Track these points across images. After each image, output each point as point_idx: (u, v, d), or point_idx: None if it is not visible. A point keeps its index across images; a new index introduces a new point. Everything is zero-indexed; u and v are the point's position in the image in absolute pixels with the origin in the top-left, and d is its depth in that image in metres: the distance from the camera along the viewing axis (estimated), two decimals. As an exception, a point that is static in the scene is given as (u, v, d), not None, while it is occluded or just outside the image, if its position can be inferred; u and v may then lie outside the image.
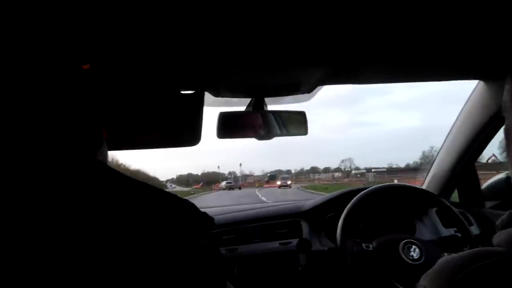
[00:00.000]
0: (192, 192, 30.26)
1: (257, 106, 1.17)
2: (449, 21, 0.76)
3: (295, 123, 1.25)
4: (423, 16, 0.72)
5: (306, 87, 1.11)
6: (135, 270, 0.39)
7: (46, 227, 0.38)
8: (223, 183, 40.66)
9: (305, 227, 1.41)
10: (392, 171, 46.66)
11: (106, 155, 0.56)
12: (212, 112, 1.18)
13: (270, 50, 0.85)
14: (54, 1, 0.48)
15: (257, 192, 23.50)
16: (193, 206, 0.49)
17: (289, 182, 32.88)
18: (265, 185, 35.99)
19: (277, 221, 1.41)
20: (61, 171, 0.43)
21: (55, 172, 0.42)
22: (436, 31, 0.81)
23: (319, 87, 1.16)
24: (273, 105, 1.23)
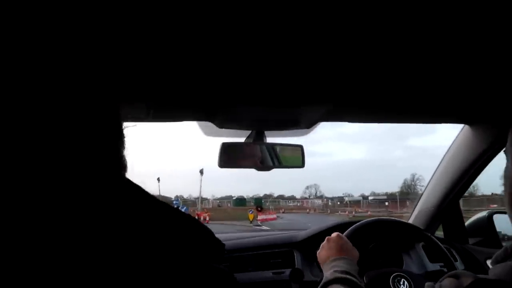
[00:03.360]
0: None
1: (258, 138, 1.22)
2: (439, 69, 0.84)
3: (293, 156, 1.31)
4: (414, 63, 0.80)
5: (306, 123, 1.18)
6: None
7: (72, 243, 0.40)
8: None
9: (298, 257, 1.44)
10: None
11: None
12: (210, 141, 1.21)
13: (275, 89, 0.91)
14: None
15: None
16: (210, 232, 0.51)
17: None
18: (260, 217, 21.57)
19: (270, 250, 1.44)
20: (93, 189, 0.44)
21: (87, 190, 0.44)
22: (426, 78, 0.89)
23: (317, 123, 1.23)
24: (272, 137, 1.29)
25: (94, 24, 0.58)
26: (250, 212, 22.08)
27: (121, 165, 0.54)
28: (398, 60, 0.79)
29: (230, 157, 1.21)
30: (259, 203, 35.67)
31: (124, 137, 0.56)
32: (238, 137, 1.28)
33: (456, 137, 1.36)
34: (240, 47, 0.70)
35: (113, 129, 0.51)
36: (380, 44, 0.71)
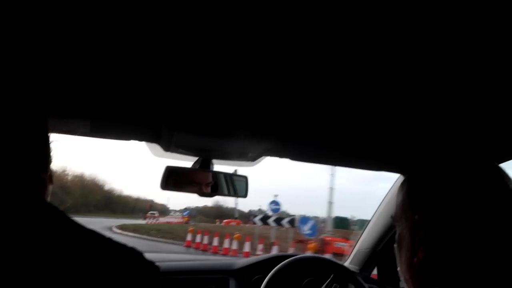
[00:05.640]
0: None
1: (204, 165, 1.25)
2: (378, 121, 0.91)
3: (238, 186, 1.35)
4: (354, 112, 0.87)
5: (250, 156, 1.23)
6: None
7: None
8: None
9: (232, 285, 1.45)
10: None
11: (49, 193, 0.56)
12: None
13: (215, 119, 0.95)
14: None
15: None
16: (139, 255, 0.50)
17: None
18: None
19: (205, 276, 1.44)
20: (10, 214, 0.43)
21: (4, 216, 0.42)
22: (364, 127, 0.96)
23: (262, 158, 1.28)
24: (219, 164, 1.32)
25: (28, 32, 0.58)
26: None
27: (40, 186, 0.52)
28: (338, 106, 0.85)
29: (174, 180, 1.23)
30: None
31: (49, 152, 0.55)
32: (187, 161, 1.31)
33: (393, 185, 1.45)
34: (184, 73, 0.72)
35: (33, 145, 0.51)
36: (324, 88, 0.76)
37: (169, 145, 1.15)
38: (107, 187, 51.15)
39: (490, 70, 0.63)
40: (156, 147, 1.19)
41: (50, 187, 0.56)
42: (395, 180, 1.46)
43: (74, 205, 34.54)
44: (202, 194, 1.29)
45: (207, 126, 0.99)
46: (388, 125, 0.94)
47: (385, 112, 0.86)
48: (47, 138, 0.55)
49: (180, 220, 28.95)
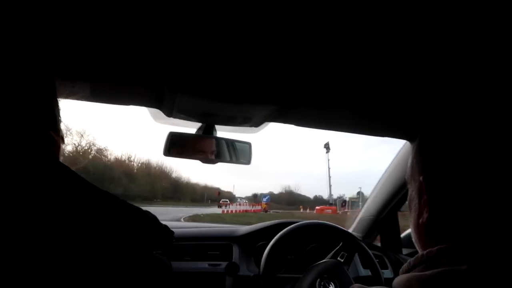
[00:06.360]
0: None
1: (207, 131, 1.24)
2: (384, 85, 0.88)
3: (241, 152, 1.33)
4: (359, 77, 0.84)
5: (254, 121, 1.20)
6: (85, 277, 0.40)
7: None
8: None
9: (236, 251, 1.47)
10: None
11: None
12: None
13: (219, 82, 0.93)
14: None
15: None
16: (154, 219, 0.50)
17: None
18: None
19: (210, 242, 1.46)
20: (24, 174, 0.42)
21: (16, 176, 0.42)
22: (370, 92, 0.93)
23: (266, 123, 1.25)
24: (222, 132, 1.30)
25: None
26: None
27: (51, 144, 0.51)
28: (343, 68, 0.82)
29: (177, 147, 1.22)
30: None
31: (58, 114, 0.54)
32: (189, 127, 1.29)
33: (398, 152, 1.43)
34: (187, 33, 0.69)
35: (41, 107, 0.50)
36: (327, 54, 0.73)
37: (172, 110, 1.12)
38: (174, 174, 47.95)
39: (497, 26, 0.60)
40: (158, 112, 1.17)
41: (63, 148, 0.55)
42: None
43: (140, 193, 32.15)
44: (206, 160, 1.28)
45: (211, 88, 0.97)
46: (394, 88, 0.91)
47: (392, 74, 0.84)
48: (54, 97, 0.54)
49: (257, 208, 26.53)
